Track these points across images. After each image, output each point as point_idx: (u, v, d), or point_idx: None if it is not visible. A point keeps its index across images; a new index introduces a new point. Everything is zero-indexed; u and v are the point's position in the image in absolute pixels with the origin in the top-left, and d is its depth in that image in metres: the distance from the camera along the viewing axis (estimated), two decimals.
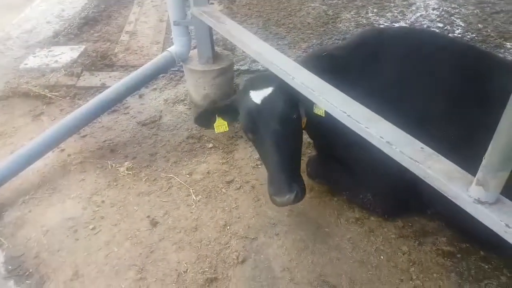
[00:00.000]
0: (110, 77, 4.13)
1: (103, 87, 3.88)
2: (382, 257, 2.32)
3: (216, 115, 2.38)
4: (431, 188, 1.57)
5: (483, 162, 1.36)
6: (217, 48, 3.79)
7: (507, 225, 1.34)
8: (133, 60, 4.46)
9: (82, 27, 5.22)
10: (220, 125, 2.40)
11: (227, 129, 2.43)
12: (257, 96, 2.21)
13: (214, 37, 3.91)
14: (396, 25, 5.05)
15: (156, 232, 2.49)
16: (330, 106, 1.97)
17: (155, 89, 3.94)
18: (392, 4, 5.57)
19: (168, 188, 2.79)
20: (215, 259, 2.31)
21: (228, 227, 2.50)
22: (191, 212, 2.61)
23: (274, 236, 2.44)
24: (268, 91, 2.22)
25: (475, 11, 5.40)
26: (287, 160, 2.14)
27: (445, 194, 1.53)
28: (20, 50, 4.69)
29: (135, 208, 2.66)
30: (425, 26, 5.04)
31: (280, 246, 2.39)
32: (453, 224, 2.39)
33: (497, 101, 1.31)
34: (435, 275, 2.22)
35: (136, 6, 5.85)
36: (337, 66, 2.34)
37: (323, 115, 2.14)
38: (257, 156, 3.05)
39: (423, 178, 1.60)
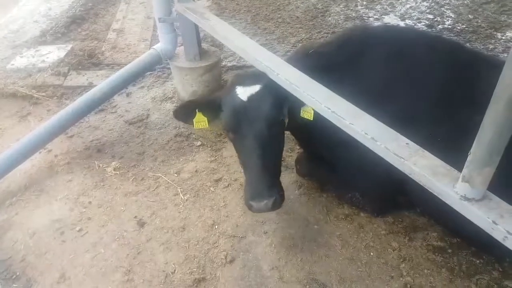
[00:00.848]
0: (97, 76, 4.07)
1: (90, 86, 3.83)
2: (372, 253, 2.31)
3: (197, 110, 2.23)
4: (418, 187, 1.54)
5: (469, 158, 1.34)
6: (204, 45, 3.75)
7: (494, 222, 1.32)
8: (120, 58, 4.40)
9: (69, 26, 5.13)
10: (200, 121, 2.25)
11: (207, 126, 2.29)
12: (244, 93, 2.10)
13: (202, 34, 3.88)
14: (386, 17, 5.02)
15: (144, 232, 2.46)
16: (314, 102, 1.94)
17: (142, 87, 3.89)
18: None
19: (156, 188, 2.76)
20: (203, 259, 2.29)
21: (216, 226, 2.47)
22: (179, 212, 2.58)
23: (262, 235, 2.42)
24: (256, 88, 2.11)
25: (465, 2, 5.37)
26: (268, 164, 2.03)
27: (431, 191, 1.51)
28: (7, 50, 4.61)
29: (122, 208, 2.62)
30: (415, 17, 5.01)
31: (268, 245, 2.36)
32: (442, 222, 2.38)
33: (483, 98, 1.28)
34: (426, 271, 2.21)
35: (124, 3, 5.77)
36: (323, 63, 2.30)
37: (311, 119, 2.07)
38: None
39: (408, 175, 1.58)
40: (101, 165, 2.97)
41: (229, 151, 3.06)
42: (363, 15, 5.08)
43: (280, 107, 2.11)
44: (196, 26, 3.29)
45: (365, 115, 1.81)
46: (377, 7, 5.26)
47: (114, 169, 2.91)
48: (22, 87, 3.90)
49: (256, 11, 5.28)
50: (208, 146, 3.12)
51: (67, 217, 2.59)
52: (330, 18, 5.01)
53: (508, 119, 1.17)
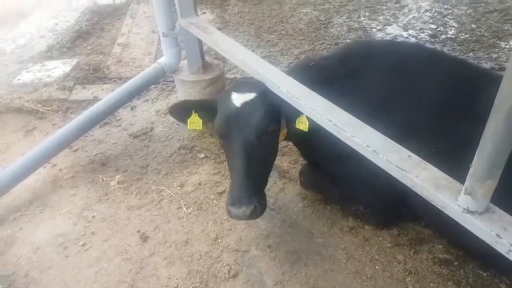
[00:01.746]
0: (102, 89, 4.11)
1: (95, 100, 3.87)
2: (377, 267, 2.27)
3: (193, 111, 2.23)
4: (421, 199, 1.52)
5: (470, 170, 1.32)
6: (208, 58, 3.78)
7: (497, 235, 1.30)
8: (125, 72, 4.45)
9: (75, 41, 5.22)
10: (195, 122, 2.24)
11: (201, 128, 2.28)
12: (238, 99, 2.11)
13: (206, 47, 3.91)
14: (389, 28, 5.03)
15: (147, 247, 2.45)
16: (315, 114, 1.94)
17: (147, 100, 3.92)
18: (384, 7, 5.56)
19: (159, 201, 2.76)
20: (206, 274, 2.27)
21: (219, 240, 2.45)
22: (182, 226, 2.57)
23: (266, 249, 2.40)
24: (250, 96, 2.11)
25: (468, 11, 5.38)
26: (253, 172, 2.01)
27: (434, 204, 1.49)
28: (14, 65, 4.68)
29: (125, 222, 2.62)
30: (418, 28, 5.01)
31: (272, 259, 2.34)
32: (446, 235, 2.34)
33: (483, 112, 1.27)
34: (432, 284, 2.17)
35: (129, 17, 5.85)
36: (323, 76, 2.31)
37: (306, 130, 2.08)
38: None
39: (411, 187, 1.56)
40: (105, 178, 2.98)
41: None
42: (366, 26, 5.10)
43: (273, 117, 2.12)
44: (199, 40, 3.33)
45: (366, 127, 1.80)
46: (379, 18, 5.28)
47: (118, 183, 2.92)
48: (28, 101, 3.95)
49: (260, 23, 5.32)
50: (212, 158, 3.12)
51: (71, 232, 2.59)
52: (333, 30, 5.03)
53: (508, 131, 1.16)
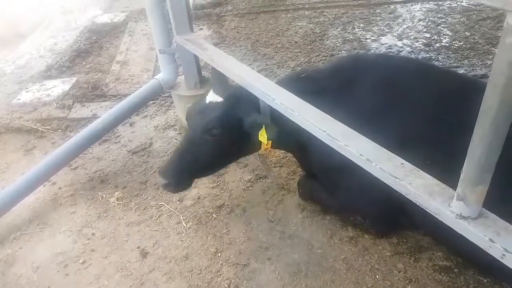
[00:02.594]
0: (101, 107, 4.15)
1: (94, 117, 3.90)
2: (377, 276, 2.27)
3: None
4: (419, 208, 1.53)
5: (461, 176, 1.34)
6: (205, 73, 3.82)
7: (491, 240, 1.30)
8: (124, 89, 4.50)
9: (74, 60, 5.28)
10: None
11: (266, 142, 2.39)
12: (210, 97, 2.36)
13: (203, 62, 3.95)
14: (383, 38, 5.08)
15: (146, 263, 2.45)
16: (309, 125, 1.96)
17: (145, 116, 3.95)
18: (378, 18, 5.63)
19: (158, 217, 2.76)
20: None
21: (219, 254, 2.45)
22: (182, 240, 2.57)
23: (266, 261, 2.40)
24: (218, 99, 2.31)
25: (462, 19, 5.44)
26: (186, 159, 2.32)
27: (428, 210, 1.50)
28: (13, 86, 4.74)
29: (125, 239, 2.62)
30: (412, 37, 5.06)
31: (272, 271, 2.34)
32: (444, 242, 2.34)
33: (473, 120, 1.29)
34: None
35: (127, 35, 5.93)
36: (315, 88, 2.35)
37: (265, 142, 2.24)
38: (248, 177, 3.03)
39: (405, 195, 1.57)
40: (104, 195, 2.99)
41: (231, 176, 3.08)
42: (361, 37, 5.15)
43: (223, 124, 2.25)
44: (196, 56, 3.37)
45: (359, 137, 1.82)
46: (374, 28, 5.35)
47: (117, 199, 2.93)
48: (28, 121, 3.99)
49: (256, 37, 5.39)
50: None
51: (71, 250, 2.59)
52: (328, 42, 5.09)
53: (494, 136, 1.18)
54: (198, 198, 2.89)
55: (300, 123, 2.03)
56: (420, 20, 5.52)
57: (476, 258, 2.14)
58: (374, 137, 1.81)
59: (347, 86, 2.32)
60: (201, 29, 5.85)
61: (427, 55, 4.65)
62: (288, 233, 2.57)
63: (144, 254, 2.50)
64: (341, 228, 2.58)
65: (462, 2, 5.97)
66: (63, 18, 6.82)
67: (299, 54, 4.86)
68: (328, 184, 2.57)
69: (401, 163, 1.64)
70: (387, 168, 1.62)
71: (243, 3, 6.53)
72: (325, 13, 5.91)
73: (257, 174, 3.06)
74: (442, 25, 5.35)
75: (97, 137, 3.30)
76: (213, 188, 2.97)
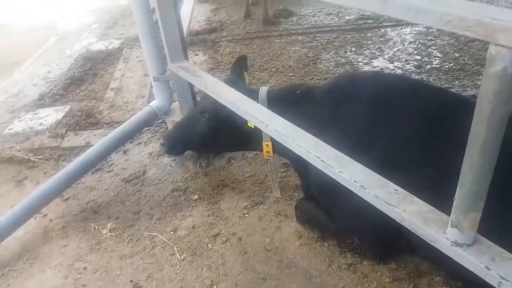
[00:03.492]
0: (94, 135, 4.11)
1: (87, 146, 3.85)
2: None
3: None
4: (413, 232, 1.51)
5: (454, 203, 1.33)
6: (200, 98, 3.82)
7: (487, 267, 1.29)
8: (118, 116, 4.48)
9: (68, 87, 5.27)
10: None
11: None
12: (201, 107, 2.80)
13: (197, 87, 3.96)
14: (375, 61, 5.15)
15: None
16: (303, 152, 1.95)
17: (139, 143, 3.92)
18: (370, 42, 5.71)
19: (152, 248, 2.69)
20: None
21: (214, 287, 2.37)
22: (176, 273, 2.49)
23: None
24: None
25: (451, 41, 5.54)
26: (182, 131, 2.87)
27: (423, 238, 1.48)
28: (5, 115, 4.71)
29: (117, 272, 2.54)
30: (403, 60, 5.13)
31: None
32: (443, 268, 2.29)
33: (466, 139, 1.28)
34: None
35: (122, 62, 5.96)
36: (309, 108, 2.39)
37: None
38: (244, 204, 2.99)
39: (399, 222, 1.55)
40: (96, 227, 2.92)
41: (226, 203, 3.03)
42: (353, 60, 5.22)
43: (214, 113, 2.67)
44: (190, 83, 3.38)
45: (353, 163, 1.81)
46: (365, 52, 5.42)
47: (110, 231, 2.85)
48: (19, 151, 3.93)
49: (251, 62, 5.43)
50: (205, 199, 3.08)
51: (61, 285, 2.50)
52: (321, 65, 5.14)
53: (484, 163, 1.18)
54: (193, 227, 2.82)
55: (294, 149, 2.02)
56: (410, 42, 5.61)
57: (475, 282, 2.08)
58: (368, 156, 1.79)
59: (341, 106, 2.33)
60: (197, 54, 5.90)
61: (418, 77, 4.70)
62: (285, 262, 2.51)
63: None
64: (340, 255, 2.52)
65: None
66: (57, 46, 6.88)
67: (293, 77, 4.90)
68: (324, 203, 2.55)
69: (395, 189, 1.62)
70: (381, 194, 1.61)
71: (238, 29, 6.62)
72: (318, 38, 6.00)
73: (253, 200, 3.01)
74: (432, 47, 5.45)
75: (90, 167, 3.25)
76: (208, 216, 2.91)
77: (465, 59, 5.02)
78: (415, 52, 5.32)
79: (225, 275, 2.44)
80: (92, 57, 6.17)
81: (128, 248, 2.71)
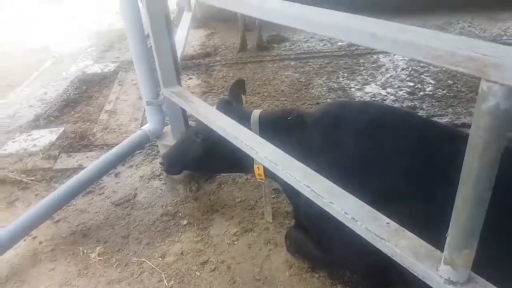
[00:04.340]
0: (87, 157, 4.11)
1: (80, 168, 3.85)
2: None
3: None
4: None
5: (447, 240, 1.31)
6: (192, 122, 3.84)
7: None
8: (111, 139, 4.48)
9: (63, 109, 5.29)
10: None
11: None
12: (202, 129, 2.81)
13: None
14: (367, 87, 5.22)
15: None
16: (293, 181, 1.95)
17: (131, 166, 3.92)
18: (362, 68, 5.80)
19: (140, 274, 2.65)
20: None
21: None
22: None
23: None
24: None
25: (444, 68, 5.62)
26: (179, 151, 2.96)
27: (415, 274, 1.46)
28: (0, 136, 4.71)
29: None
30: (396, 86, 5.20)
31: None
32: None
33: (457, 174, 1.29)
34: None
35: (117, 85, 6.01)
36: (300, 135, 2.41)
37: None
38: (233, 231, 2.97)
39: (391, 256, 1.54)
40: (85, 251, 2.89)
41: (216, 229, 3.01)
42: (345, 86, 5.28)
43: (205, 135, 2.76)
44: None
45: (344, 194, 1.80)
46: (358, 78, 5.50)
47: (98, 255, 2.82)
48: (12, 172, 3.92)
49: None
50: (195, 224, 3.06)
51: None
52: (313, 90, 5.21)
53: (477, 201, 1.17)
54: (181, 253, 2.79)
55: (284, 177, 2.02)
56: (403, 69, 5.70)
57: None
58: (359, 186, 1.79)
59: (332, 134, 2.35)
60: (191, 78, 5.97)
61: (411, 104, 4.75)
62: None
63: None
64: (330, 287, 2.49)
65: None
66: (54, 68, 6.93)
67: (285, 102, 4.95)
68: (315, 233, 2.53)
69: (387, 223, 1.61)
70: (373, 228, 1.59)
71: (231, 54, 6.72)
72: (310, 63, 6.09)
73: (243, 227, 2.99)
74: (425, 74, 5.52)
75: (81, 189, 3.24)
76: (197, 242, 2.89)
77: (459, 86, 5.09)
78: (407, 78, 5.40)
79: None
80: (88, 80, 6.21)
81: (116, 274, 2.67)
